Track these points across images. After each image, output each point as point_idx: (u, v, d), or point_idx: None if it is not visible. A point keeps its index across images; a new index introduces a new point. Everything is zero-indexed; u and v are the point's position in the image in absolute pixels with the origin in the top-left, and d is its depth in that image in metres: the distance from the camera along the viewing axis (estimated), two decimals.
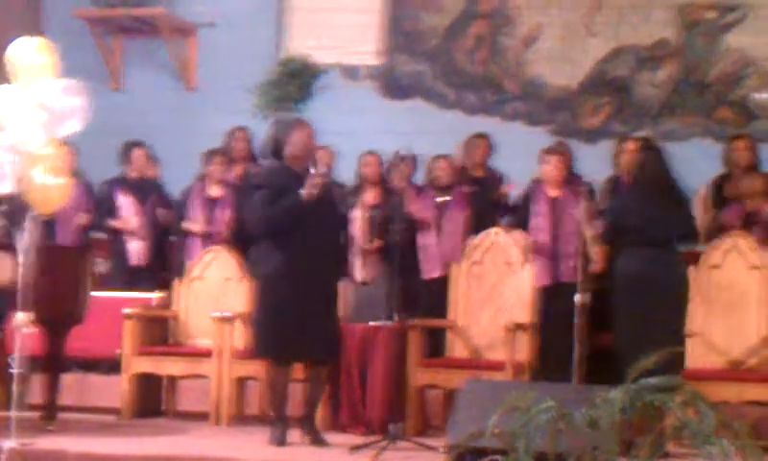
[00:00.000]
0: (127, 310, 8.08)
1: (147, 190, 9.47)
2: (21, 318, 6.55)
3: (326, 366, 7.08)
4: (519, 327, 7.55)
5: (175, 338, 8.41)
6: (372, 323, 7.71)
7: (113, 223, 9.39)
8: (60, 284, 7.28)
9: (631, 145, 8.26)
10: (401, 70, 11.17)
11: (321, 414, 7.39)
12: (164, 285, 8.78)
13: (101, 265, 9.36)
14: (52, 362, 7.48)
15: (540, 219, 8.21)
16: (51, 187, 6.70)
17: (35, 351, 7.29)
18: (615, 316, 7.17)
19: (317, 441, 6.91)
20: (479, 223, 8.47)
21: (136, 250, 9.33)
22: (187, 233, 9.09)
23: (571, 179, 8.56)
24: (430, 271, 8.58)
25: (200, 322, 8.26)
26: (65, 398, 7.92)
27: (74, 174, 9.20)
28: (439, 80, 11.05)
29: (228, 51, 11.24)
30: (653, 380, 4.67)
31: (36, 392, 7.73)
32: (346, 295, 8.15)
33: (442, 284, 8.36)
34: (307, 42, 11.27)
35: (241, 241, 8.34)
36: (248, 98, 11.12)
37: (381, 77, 11.19)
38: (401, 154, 7.92)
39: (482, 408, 5.16)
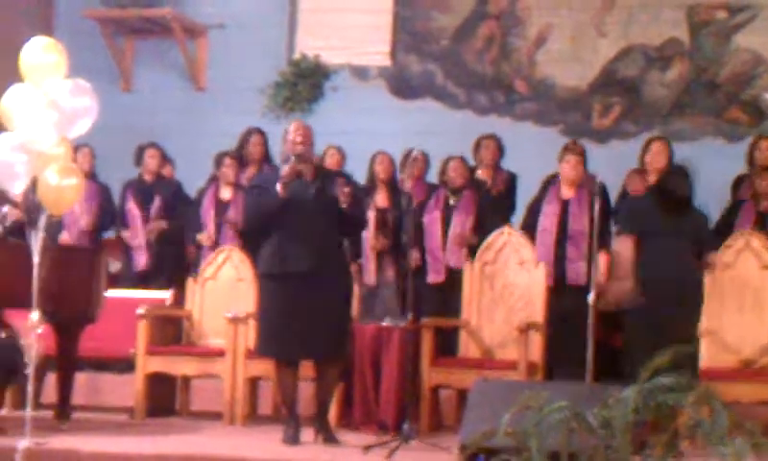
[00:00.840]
0: (140, 310, 8.09)
1: (155, 194, 9.47)
2: (33, 318, 6.55)
3: (335, 365, 7.07)
4: (532, 326, 7.55)
5: (188, 338, 8.43)
6: (384, 323, 7.72)
7: (123, 234, 9.42)
8: (73, 284, 7.30)
9: (656, 147, 8.29)
10: (411, 70, 11.18)
11: (333, 413, 7.40)
12: (176, 286, 8.80)
13: (112, 265, 9.38)
14: (65, 362, 7.49)
15: (548, 220, 8.21)
16: (63, 188, 6.70)
17: (48, 350, 7.32)
18: (627, 316, 7.18)
19: (329, 440, 6.91)
20: (484, 227, 8.48)
21: (141, 257, 9.36)
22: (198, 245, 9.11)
23: (585, 179, 8.57)
24: (434, 275, 8.58)
25: (213, 322, 8.27)
26: (78, 397, 7.94)
27: (88, 175, 9.27)
28: (449, 80, 11.06)
29: (239, 52, 11.26)
30: (666, 380, 4.67)
31: (50, 391, 7.77)
32: (358, 296, 8.17)
33: (445, 289, 8.39)
34: (317, 43, 11.29)
35: (251, 242, 8.35)
36: (258, 99, 11.16)
37: (391, 77, 11.20)
38: (414, 154, 7.93)
39: (494, 408, 5.17)
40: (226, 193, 9.13)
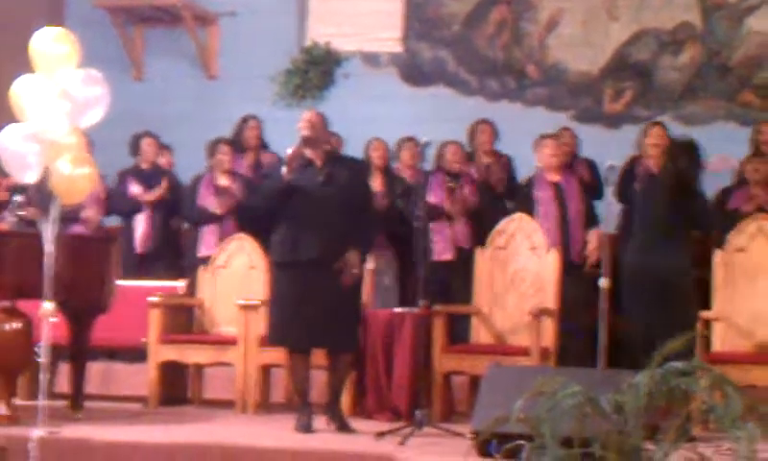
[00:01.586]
0: (152, 299, 8.10)
1: (157, 179, 9.49)
2: (47, 307, 6.56)
3: (346, 353, 7.07)
4: (544, 312, 7.55)
5: (200, 326, 8.44)
6: (396, 309, 7.72)
7: (146, 196, 9.37)
8: (85, 274, 7.30)
9: (656, 131, 8.25)
10: (423, 57, 11.16)
11: (346, 400, 7.41)
12: (174, 273, 8.81)
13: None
14: (78, 351, 7.51)
15: (545, 206, 8.24)
16: (75, 177, 6.70)
17: (61, 340, 7.33)
18: (625, 303, 7.16)
19: (342, 427, 6.92)
20: (486, 209, 8.51)
21: (143, 237, 9.35)
22: (202, 221, 9.07)
23: (573, 162, 8.66)
24: (442, 253, 8.59)
25: (225, 310, 8.29)
26: (91, 386, 7.97)
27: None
28: (461, 66, 11.04)
29: (250, 39, 11.26)
30: (678, 364, 4.66)
31: (63, 381, 7.78)
32: (369, 283, 8.17)
33: (452, 267, 8.39)
34: (328, 30, 11.28)
35: (249, 224, 8.36)
36: (269, 86, 11.16)
37: (403, 64, 11.19)
38: (423, 140, 7.92)
39: (506, 394, 5.16)
40: (222, 181, 9.09)
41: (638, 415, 4.57)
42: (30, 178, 6.75)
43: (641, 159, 8.47)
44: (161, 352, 8.09)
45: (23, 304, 7.16)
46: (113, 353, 8.91)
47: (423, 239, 7.46)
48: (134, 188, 9.45)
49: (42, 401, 6.51)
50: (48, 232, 6.55)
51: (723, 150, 8.86)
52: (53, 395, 7.69)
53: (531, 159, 9.03)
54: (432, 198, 8.60)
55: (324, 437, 6.73)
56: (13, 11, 10.79)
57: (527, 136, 9.17)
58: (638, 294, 7.03)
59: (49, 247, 6.51)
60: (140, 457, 6.33)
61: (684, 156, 7.26)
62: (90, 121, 6.74)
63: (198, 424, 7.25)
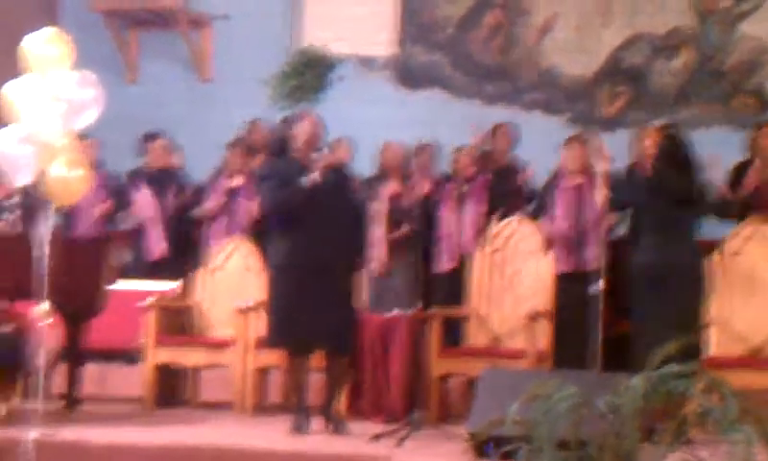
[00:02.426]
0: (148, 301, 8.10)
1: (165, 181, 9.49)
2: (41, 310, 6.56)
3: (343, 356, 7.09)
4: (540, 314, 7.56)
5: (196, 328, 8.44)
6: (393, 312, 7.72)
7: (128, 216, 9.42)
8: (79, 276, 7.30)
9: (651, 134, 8.26)
10: (417, 60, 11.18)
11: (342, 402, 7.41)
12: (185, 276, 8.81)
13: (122, 256, 9.40)
14: (73, 353, 7.51)
15: (561, 207, 8.24)
16: (69, 179, 6.70)
17: (55, 342, 7.33)
18: (632, 304, 7.14)
19: (338, 429, 6.93)
20: (497, 213, 8.48)
21: (154, 243, 9.36)
22: (205, 220, 9.10)
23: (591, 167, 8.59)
24: (445, 262, 8.59)
25: (221, 312, 8.29)
26: (87, 388, 7.95)
27: (95, 166, 9.27)
28: (455, 70, 11.06)
29: (244, 42, 11.27)
30: (675, 367, 4.67)
31: (59, 382, 7.78)
32: (364, 285, 8.18)
33: (456, 275, 8.39)
34: (323, 33, 11.29)
35: (261, 232, 8.35)
36: (263, 89, 11.15)
37: (397, 67, 11.21)
38: (422, 143, 7.94)
39: (502, 396, 5.16)
40: (233, 181, 9.14)
41: (635, 417, 4.57)
42: (24, 180, 6.74)
43: (638, 165, 8.48)
44: (158, 354, 8.09)
45: (19, 306, 7.17)
46: (110, 355, 8.90)
47: (420, 244, 7.48)
48: (144, 192, 9.43)
49: (39, 403, 6.51)
50: (41, 235, 6.54)
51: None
52: (49, 396, 7.70)
53: (528, 161, 9.05)
54: (441, 209, 8.61)
55: (320, 439, 6.73)
56: (7, 12, 10.79)
57: (524, 140, 9.20)
58: (649, 295, 6.98)
59: (42, 249, 6.50)
60: (136, 459, 6.33)
61: (672, 145, 7.22)
62: (84, 123, 6.73)
63: (194, 426, 7.25)
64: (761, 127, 8.88)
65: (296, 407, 6.99)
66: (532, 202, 8.74)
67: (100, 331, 7.63)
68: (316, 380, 7.21)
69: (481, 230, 8.42)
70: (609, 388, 4.73)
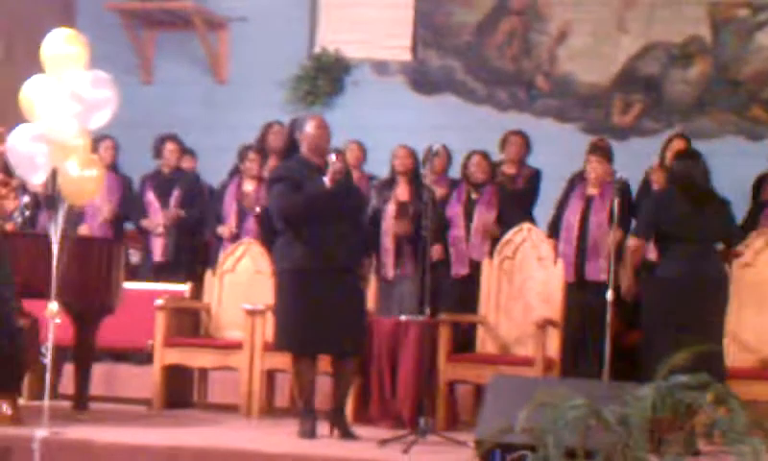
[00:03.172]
0: (159, 301, 8.11)
1: (174, 186, 9.49)
2: (52, 308, 6.57)
3: (353, 359, 7.08)
4: (549, 322, 7.54)
5: (206, 330, 8.45)
6: (402, 317, 7.72)
7: (143, 223, 9.45)
8: (92, 275, 7.31)
9: (678, 143, 8.25)
10: (432, 65, 11.18)
11: (350, 407, 7.40)
12: (194, 279, 8.82)
13: (133, 256, 9.42)
14: (83, 352, 7.52)
15: (572, 216, 8.25)
16: (83, 179, 6.71)
17: (66, 341, 7.35)
18: (649, 315, 7.05)
19: (346, 434, 6.91)
20: (507, 221, 8.47)
21: (158, 247, 9.38)
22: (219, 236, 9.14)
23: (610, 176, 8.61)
24: (458, 268, 8.58)
25: (231, 314, 8.28)
26: (96, 388, 7.96)
27: (112, 166, 9.31)
28: (469, 75, 11.06)
29: (260, 45, 11.28)
30: (684, 378, 4.66)
31: (68, 382, 7.79)
32: (375, 290, 8.17)
33: (468, 282, 8.38)
34: (338, 37, 11.31)
35: (271, 236, 8.35)
36: (278, 92, 11.17)
37: (412, 72, 11.21)
38: (434, 148, 7.92)
39: (510, 404, 5.15)
40: (248, 186, 9.15)
41: (643, 428, 4.56)
42: (38, 179, 6.76)
43: (657, 172, 8.44)
44: (167, 355, 8.09)
45: (29, 305, 7.18)
46: (119, 355, 8.93)
47: (429, 249, 7.46)
48: (150, 196, 9.46)
49: (47, 402, 6.52)
50: (54, 233, 6.56)
51: (732, 164, 8.84)
52: (57, 396, 7.71)
53: (541, 169, 9.03)
54: (450, 211, 8.60)
55: (327, 443, 6.73)
56: (25, 12, 10.82)
57: (536, 147, 9.19)
58: (672, 307, 6.89)
59: (54, 248, 6.52)
60: (143, 460, 6.33)
61: (691, 159, 7.16)
62: (99, 123, 6.74)
63: (201, 428, 7.25)
64: None
65: (303, 411, 6.98)
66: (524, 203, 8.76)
67: (109, 332, 7.63)
68: (323, 384, 7.21)
69: (491, 236, 8.42)
70: (617, 398, 4.71)
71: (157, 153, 9.63)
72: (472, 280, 8.30)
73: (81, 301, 7.21)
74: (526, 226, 8.03)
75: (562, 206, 8.44)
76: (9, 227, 7.33)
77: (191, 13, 11.34)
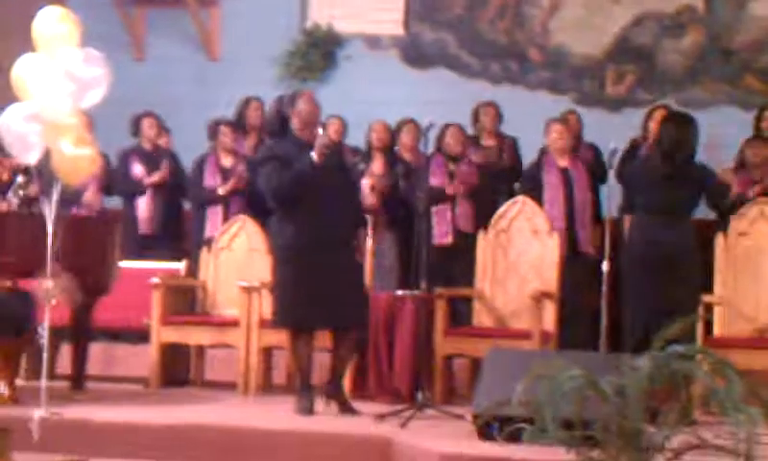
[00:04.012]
0: (154, 280, 8.11)
1: (159, 159, 9.48)
2: (48, 288, 6.57)
3: (351, 334, 7.08)
4: (545, 295, 7.55)
5: (202, 308, 8.45)
6: (398, 292, 7.73)
7: (148, 180, 9.35)
8: (87, 255, 7.30)
9: (661, 114, 8.25)
10: (424, 39, 11.14)
11: (347, 382, 7.42)
12: (177, 254, 8.81)
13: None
14: (79, 332, 7.52)
15: (553, 191, 8.27)
16: (77, 158, 6.70)
17: (62, 321, 7.34)
18: (626, 285, 7.09)
19: (344, 409, 6.93)
20: (488, 191, 8.52)
21: (146, 218, 9.33)
22: (207, 202, 9.07)
23: (579, 147, 8.68)
24: (441, 236, 8.59)
25: (226, 291, 8.29)
26: (93, 367, 7.96)
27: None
28: (462, 49, 11.03)
29: (251, 21, 11.23)
30: (679, 348, 4.67)
31: (65, 362, 7.79)
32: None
33: (451, 251, 8.41)
34: (330, 12, 11.25)
35: (258, 214, 8.33)
36: (271, 68, 11.13)
37: (404, 46, 11.17)
38: (405, 120, 7.94)
39: (507, 377, 5.16)
40: (227, 161, 9.11)
41: (639, 398, 4.57)
42: (31, 158, 6.74)
43: (644, 142, 8.49)
44: (163, 334, 8.10)
45: (25, 285, 7.18)
46: (115, 334, 8.91)
47: (425, 222, 7.47)
48: (137, 169, 9.43)
49: (44, 382, 6.52)
50: (49, 213, 6.55)
51: (725, 134, 8.84)
52: (55, 376, 7.71)
53: (533, 143, 9.04)
54: (433, 180, 8.60)
55: (326, 419, 6.74)
56: None
57: (529, 120, 9.18)
58: (642, 275, 6.95)
59: (50, 227, 6.51)
60: (141, 438, 6.35)
61: (680, 125, 7.14)
62: (91, 101, 6.73)
63: (199, 406, 7.26)
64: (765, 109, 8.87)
65: (301, 388, 6.99)
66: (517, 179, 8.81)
67: (106, 310, 7.63)
68: (319, 361, 7.21)
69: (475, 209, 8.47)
70: (614, 369, 4.72)
71: (136, 130, 9.60)
72: (456, 251, 8.33)
73: (77, 280, 7.20)
74: (521, 198, 8.04)
75: (531, 177, 8.50)
76: (3, 207, 7.33)
77: None
